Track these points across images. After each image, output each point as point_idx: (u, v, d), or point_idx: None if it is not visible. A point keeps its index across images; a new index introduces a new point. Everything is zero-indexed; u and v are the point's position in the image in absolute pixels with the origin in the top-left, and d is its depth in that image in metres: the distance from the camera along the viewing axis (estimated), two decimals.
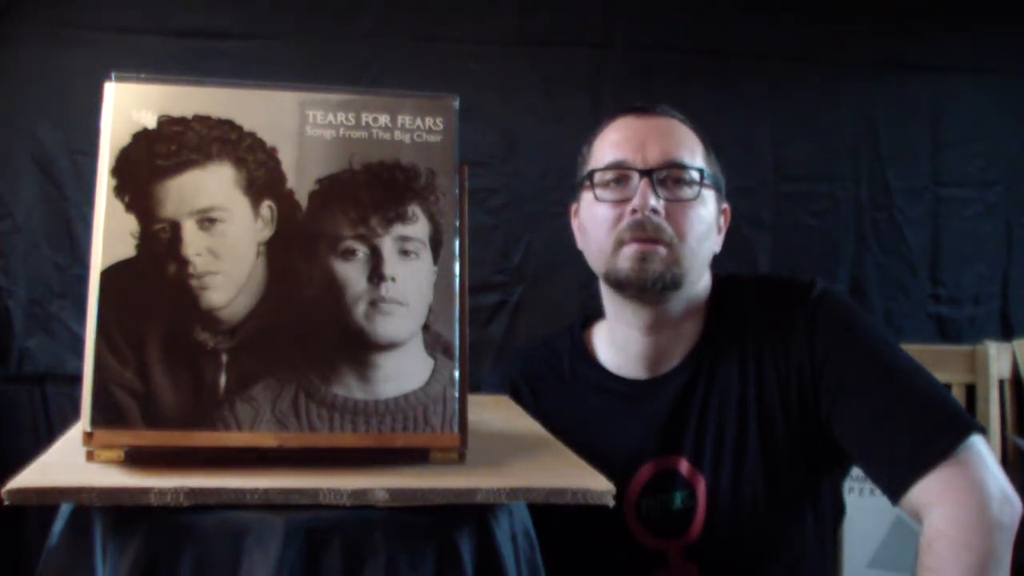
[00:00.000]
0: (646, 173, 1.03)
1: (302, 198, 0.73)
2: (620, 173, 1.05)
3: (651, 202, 1.02)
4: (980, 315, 1.88)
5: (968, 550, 0.88)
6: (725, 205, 1.13)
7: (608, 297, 1.12)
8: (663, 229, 1.02)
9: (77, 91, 1.61)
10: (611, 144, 1.08)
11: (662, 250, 1.02)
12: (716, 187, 1.10)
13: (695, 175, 1.05)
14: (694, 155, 1.07)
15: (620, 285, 1.05)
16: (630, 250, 1.03)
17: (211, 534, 0.63)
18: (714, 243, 1.10)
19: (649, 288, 1.03)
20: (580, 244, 1.15)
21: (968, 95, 1.88)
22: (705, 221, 1.06)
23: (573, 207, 1.15)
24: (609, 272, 1.06)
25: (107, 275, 0.69)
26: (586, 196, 1.09)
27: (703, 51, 1.81)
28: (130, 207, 0.70)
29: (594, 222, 1.07)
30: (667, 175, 1.04)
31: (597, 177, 1.07)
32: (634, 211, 1.03)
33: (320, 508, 0.64)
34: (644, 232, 1.02)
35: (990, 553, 0.88)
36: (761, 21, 1.83)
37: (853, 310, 1.08)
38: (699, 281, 1.10)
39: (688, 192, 1.05)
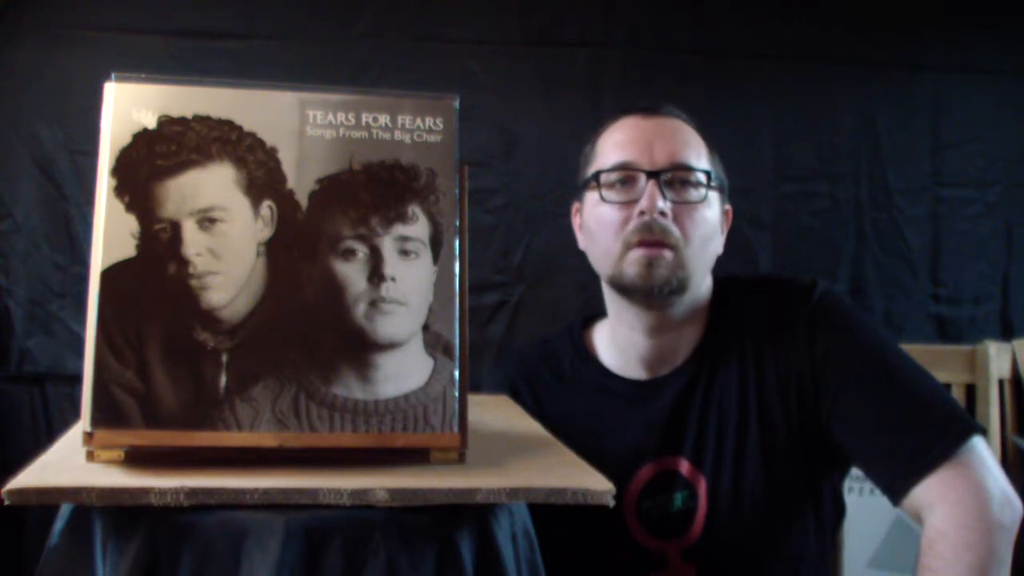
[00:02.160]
0: (653, 175, 1.03)
1: (302, 198, 0.73)
2: (627, 174, 1.05)
3: (659, 204, 1.02)
4: (980, 315, 1.88)
5: (969, 550, 0.88)
6: (727, 206, 1.13)
7: (611, 299, 1.12)
8: (670, 232, 1.02)
9: (77, 91, 1.61)
10: (617, 144, 1.07)
11: (668, 254, 1.02)
12: (720, 189, 1.10)
13: (702, 177, 1.05)
14: (700, 157, 1.07)
15: (625, 289, 1.05)
16: (636, 255, 1.02)
17: (211, 534, 0.63)
18: (718, 245, 1.10)
19: (655, 294, 1.03)
20: (582, 244, 1.14)
21: (968, 95, 1.88)
22: (710, 223, 1.06)
23: (575, 206, 1.15)
24: (615, 276, 1.05)
25: (107, 275, 0.69)
26: (591, 196, 1.08)
27: (703, 51, 1.81)
28: (130, 207, 0.70)
29: (599, 224, 1.06)
30: (674, 177, 1.04)
31: (603, 178, 1.06)
32: (642, 213, 1.02)
33: (320, 508, 0.64)
34: (651, 234, 1.02)
35: (991, 553, 0.88)
36: (761, 21, 1.82)
37: (853, 312, 1.08)
38: (702, 284, 1.09)
39: (695, 194, 1.05)
